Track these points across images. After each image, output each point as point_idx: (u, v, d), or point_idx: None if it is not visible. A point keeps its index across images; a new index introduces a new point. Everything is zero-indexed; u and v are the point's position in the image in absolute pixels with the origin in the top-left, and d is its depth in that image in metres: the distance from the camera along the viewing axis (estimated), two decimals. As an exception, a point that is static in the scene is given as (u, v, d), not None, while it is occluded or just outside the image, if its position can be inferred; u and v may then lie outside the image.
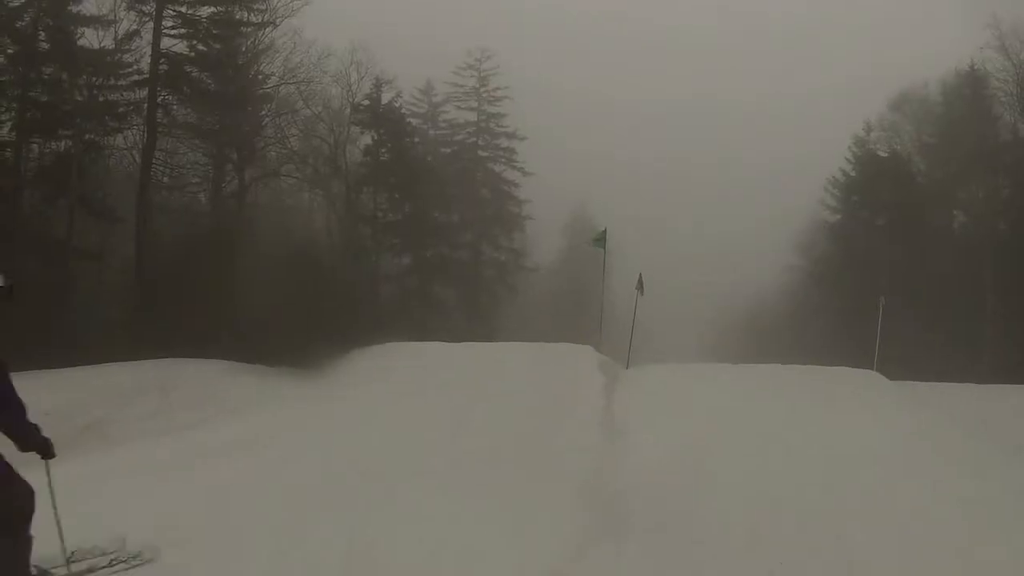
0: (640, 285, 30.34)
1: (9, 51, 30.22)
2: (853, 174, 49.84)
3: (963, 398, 22.60)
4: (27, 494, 7.90)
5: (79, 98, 31.36)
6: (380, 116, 42.59)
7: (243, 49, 36.81)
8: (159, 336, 25.98)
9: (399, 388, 21.54)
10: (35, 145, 31.17)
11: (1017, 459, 15.94)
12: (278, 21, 36.65)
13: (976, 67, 42.63)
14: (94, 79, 31.79)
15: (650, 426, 17.30)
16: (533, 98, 57.26)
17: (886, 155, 47.70)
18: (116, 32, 32.52)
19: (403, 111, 46.20)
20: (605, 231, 32.44)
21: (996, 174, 41.91)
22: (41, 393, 18.15)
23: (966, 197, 44.24)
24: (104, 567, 9.09)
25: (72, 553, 8.73)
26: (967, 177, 43.43)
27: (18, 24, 30.26)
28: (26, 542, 7.84)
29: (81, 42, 31.78)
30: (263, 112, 37.43)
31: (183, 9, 34.01)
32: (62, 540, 8.39)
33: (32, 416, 16.37)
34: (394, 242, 44.22)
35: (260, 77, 37.51)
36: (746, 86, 70.32)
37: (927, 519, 11.74)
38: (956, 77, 44.12)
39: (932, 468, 14.46)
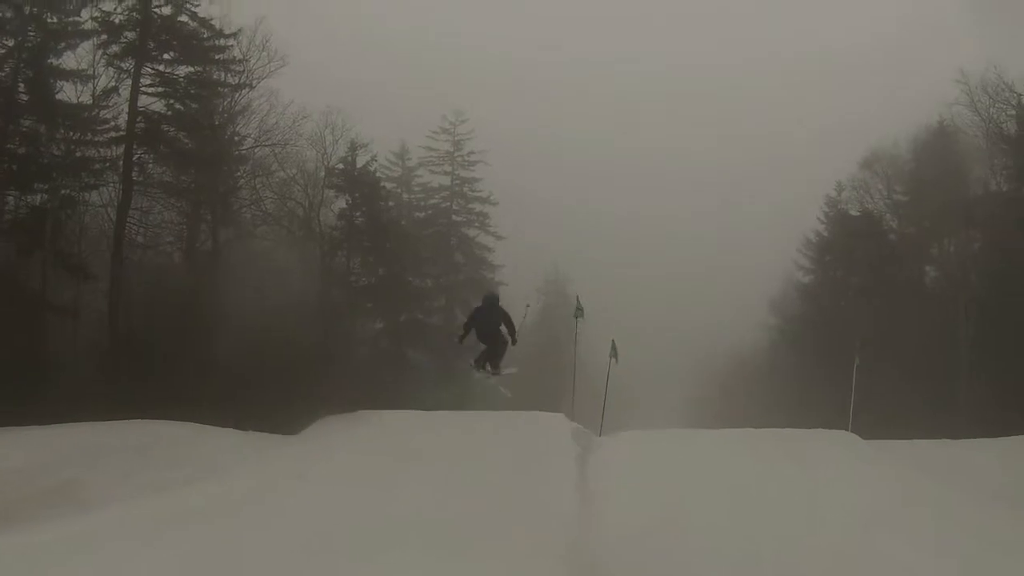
0: (614, 352, 30.29)
1: (-14, 102, 30.16)
2: (826, 234, 50.26)
3: (939, 453, 22.67)
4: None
5: (56, 152, 31.21)
6: (355, 180, 42.47)
7: (220, 110, 36.81)
8: (130, 395, 25.74)
9: (371, 456, 21.31)
10: (11, 197, 30.90)
11: (995, 510, 15.98)
12: (255, 83, 36.82)
13: (945, 123, 43.09)
14: (71, 134, 31.69)
15: (625, 494, 17.21)
16: (507, 158, 57.59)
17: (858, 214, 48.06)
18: (94, 88, 32.54)
19: (377, 175, 46.01)
20: (578, 299, 32.45)
21: (968, 229, 42.30)
22: (12, 451, 18.05)
23: (938, 252, 44.63)
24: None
25: None
26: (939, 232, 43.86)
27: (-3, 75, 30.22)
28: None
29: (59, 96, 31.74)
30: (238, 173, 37.41)
31: (161, 68, 34.03)
32: None
33: (1, 474, 16.12)
34: (368, 306, 44.02)
35: (236, 138, 37.53)
36: (719, 144, 70.92)
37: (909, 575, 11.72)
38: (926, 133, 44.60)
39: (911, 524, 14.53)
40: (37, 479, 16.92)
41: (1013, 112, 39.62)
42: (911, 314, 41.17)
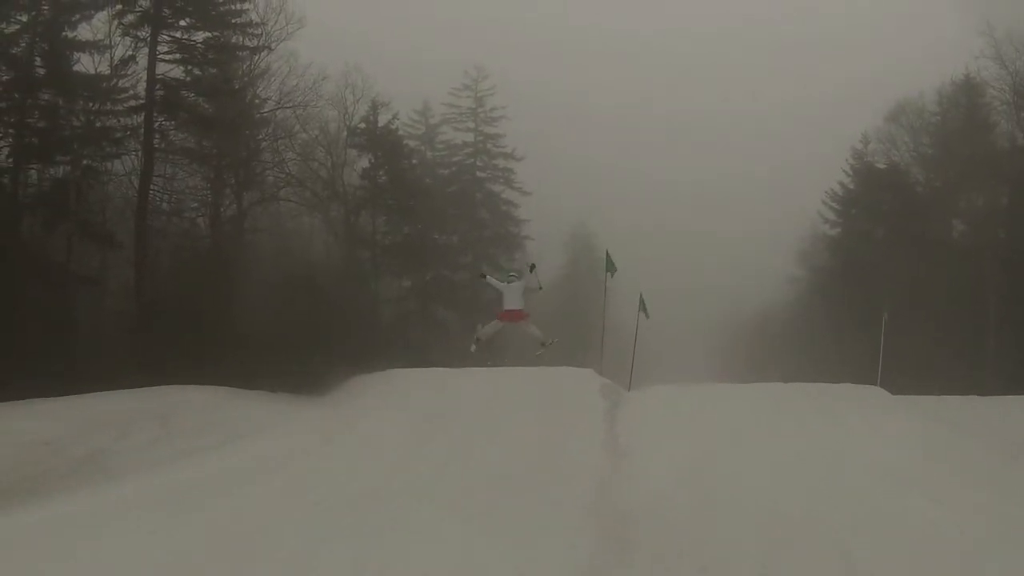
0: (643, 306, 30.17)
1: (5, 77, 30.19)
2: (851, 186, 49.92)
3: (968, 410, 22.46)
4: None
5: (76, 124, 31.30)
6: (377, 139, 42.50)
7: (239, 73, 36.76)
8: (159, 362, 25.87)
9: (401, 415, 21.38)
10: (33, 171, 31.01)
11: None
12: (273, 45, 36.70)
13: (971, 76, 42.67)
14: (91, 105, 31.73)
15: (654, 449, 17.19)
16: (532, 114, 57.43)
17: (884, 167, 47.69)
18: (112, 58, 32.48)
19: (400, 133, 46.02)
20: (608, 254, 32.26)
21: (994, 182, 41.88)
22: (40, 422, 18.19)
23: (965, 206, 44.24)
24: None
25: None
26: (966, 186, 43.47)
27: (14, 50, 30.21)
28: None
29: (77, 68, 31.77)
30: (260, 136, 37.40)
31: (177, 35, 33.84)
32: None
33: (30, 446, 16.16)
34: (393, 265, 44.08)
35: (257, 101, 37.47)
36: (745, 99, 70.61)
37: (937, 533, 11.65)
38: (951, 86, 44.19)
39: (939, 481, 14.42)
40: (66, 450, 17.01)
41: (1040, 65, 39.14)
42: (939, 268, 40.88)
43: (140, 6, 32.67)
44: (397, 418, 21.04)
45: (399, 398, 23.36)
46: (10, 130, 30.19)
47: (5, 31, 30.06)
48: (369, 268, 41.42)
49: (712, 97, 71.30)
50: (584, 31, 77.99)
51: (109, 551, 11.24)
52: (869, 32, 73.73)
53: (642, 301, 30.31)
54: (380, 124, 43.02)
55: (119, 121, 32.54)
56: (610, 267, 31.64)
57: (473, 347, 27.30)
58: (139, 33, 32.72)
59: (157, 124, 33.10)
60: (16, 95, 30.14)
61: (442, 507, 13.22)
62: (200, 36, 34.58)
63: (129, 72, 32.84)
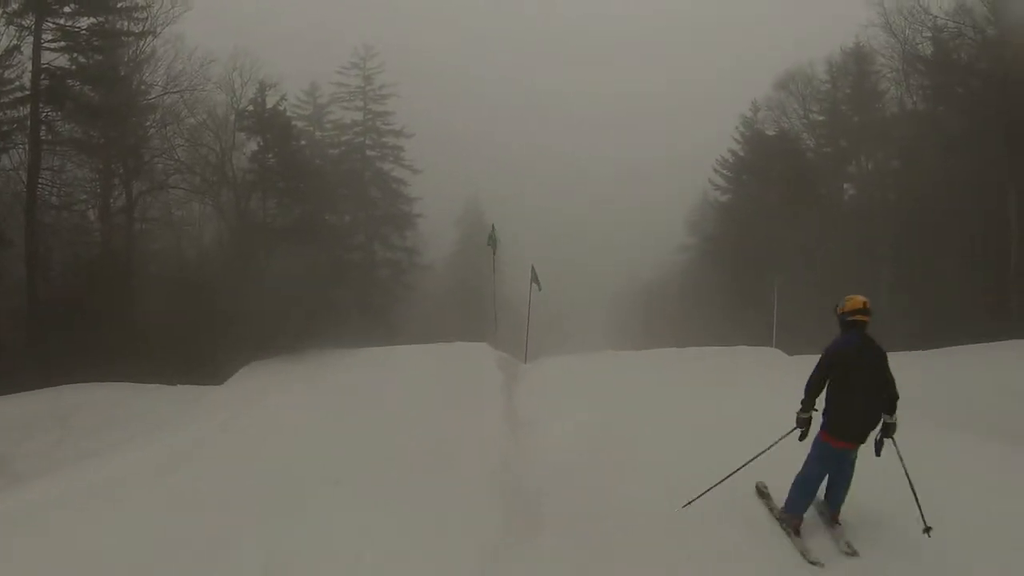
0: (534, 278, 30.47)
1: None
2: (742, 153, 50.94)
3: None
4: None
5: (-40, 118, 30.87)
6: (265, 121, 42.19)
7: (125, 59, 36.34)
8: (56, 361, 25.74)
9: (302, 398, 21.64)
10: (-85, 171, 30.55)
11: (924, 424, 16.44)
12: (159, 30, 36.27)
13: (861, 44, 43.67)
14: (-25, 98, 31.30)
15: (552, 419, 17.41)
16: (421, 93, 57.63)
17: (774, 133, 48.66)
18: (-4, 49, 32.03)
19: (288, 114, 45.75)
20: (493, 227, 32.65)
21: (884, 147, 43.02)
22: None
23: (855, 171, 45.44)
24: None
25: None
26: (856, 151, 44.63)
27: None
28: None
29: (-40, 60, 31.29)
30: (148, 123, 36.99)
31: (62, 22, 33.42)
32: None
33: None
34: (286, 247, 43.92)
35: (143, 87, 37.08)
36: (636, 75, 71.28)
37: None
38: (841, 55, 45.24)
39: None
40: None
41: (928, 34, 40.01)
42: (831, 232, 41.86)
43: (24, -7, 32.22)
44: (297, 401, 21.35)
45: (298, 381, 23.62)
46: None
47: None
48: (261, 252, 41.28)
49: (610, 76, 72.01)
50: (479, 9, 78.13)
51: (18, 555, 11.44)
52: (762, 5, 74.94)
53: (534, 273, 30.62)
54: (268, 106, 42.77)
55: (4, 114, 32.07)
56: (491, 241, 32.09)
57: None
58: (23, 22, 32.24)
59: (44, 115, 32.70)
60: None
61: (349, 490, 13.47)
62: (85, 22, 34.13)
63: (14, 63, 32.35)
